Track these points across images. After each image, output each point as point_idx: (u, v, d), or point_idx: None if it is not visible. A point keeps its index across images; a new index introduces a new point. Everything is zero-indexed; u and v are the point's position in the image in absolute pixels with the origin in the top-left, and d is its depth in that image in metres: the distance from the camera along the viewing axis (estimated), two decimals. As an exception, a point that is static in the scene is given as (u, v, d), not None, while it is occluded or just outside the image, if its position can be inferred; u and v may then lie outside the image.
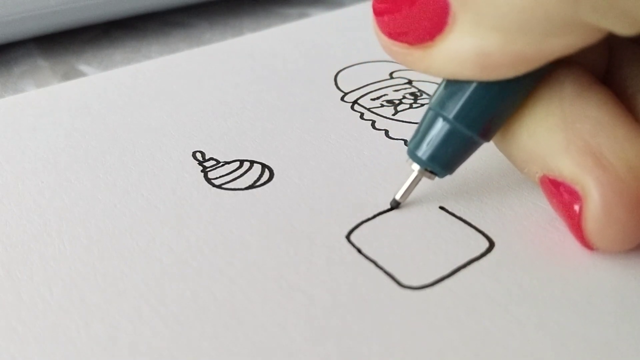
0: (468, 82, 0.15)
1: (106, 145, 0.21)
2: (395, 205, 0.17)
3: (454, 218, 0.17)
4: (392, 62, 0.25)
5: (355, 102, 0.23)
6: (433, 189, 0.18)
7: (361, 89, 0.24)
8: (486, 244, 0.16)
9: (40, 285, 0.15)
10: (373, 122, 0.22)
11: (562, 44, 0.13)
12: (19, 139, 0.21)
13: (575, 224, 0.15)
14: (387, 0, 0.15)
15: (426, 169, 0.16)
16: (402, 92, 0.23)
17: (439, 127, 0.16)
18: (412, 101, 0.23)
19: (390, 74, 0.25)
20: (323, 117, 0.22)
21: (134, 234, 0.17)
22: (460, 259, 0.16)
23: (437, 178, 0.17)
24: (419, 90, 0.23)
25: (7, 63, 0.28)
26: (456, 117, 0.15)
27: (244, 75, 0.25)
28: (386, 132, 0.21)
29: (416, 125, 0.17)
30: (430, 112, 0.16)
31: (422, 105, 0.22)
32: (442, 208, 0.17)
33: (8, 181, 0.19)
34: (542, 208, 0.17)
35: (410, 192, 0.17)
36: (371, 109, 0.22)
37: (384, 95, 0.23)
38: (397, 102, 0.23)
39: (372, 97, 0.23)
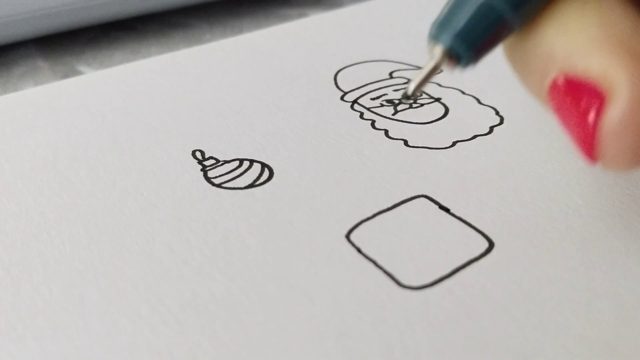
0: None
1: (106, 144, 0.21)
2: (406, 97, 0.15)
3: (453, 218, 0.17)
4: (392, 61, 0.25)
5: (354, 101, 0.23)
6: (433, 190, 0.18)
7: (361, 89, 0.24)
8: (486, 245, 0.16)
9: (39, 284, 0.15)
10: (373, 122, 0.22)
11: None
12: (18, 137, 0.21)
13: (588, 130, 0.13)
14: None
15: (450, 52, 0.14)
16: (402, 92, 0.23)
17: (470, 3, 0.14)
18: (411, 101, 0.23)
19: (390, 74, 0.25)
20: (323, 116, 0.22)
21: (133, 233, 0.17)
22: (460, 259, 0.16)
23: (458, 69, 0.15)
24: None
25: (7, 64, 0.28)
26: None
27: (243, 75, 0.25)
28: (386, 132, 0.21)
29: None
30: None
31: (422, 105, 0.22)
32: (441, 208, 0.17)
33: (7, 180, 0.19)
34: (542, 209, 0.17)
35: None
36: (371, 109, 0.22)
37: (384, 94, 0.23)
38: (396, 101, 0.23)
39: (372, 97, 0.23)
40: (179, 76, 0.25)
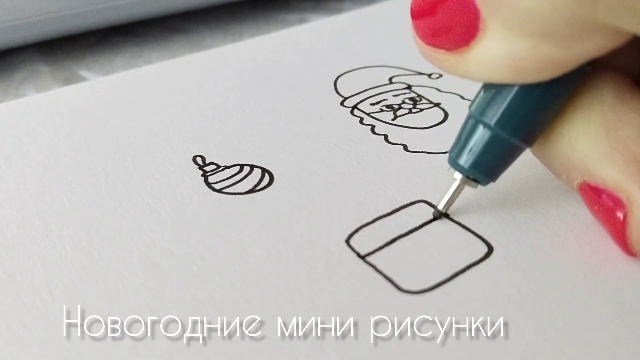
0: (507, 88, 0.15)
1: (107, 150, 0.21)
2: (438, 215, 0.17)
3: (452, 223, 0.17)
4: (392, 67, 0.26)
5: (354, 106, 0.23)
6: (433, 195, 0.18)
7: (361, 94, 0.24)
8: (485, 249, 0.16)
9: (41, 289, 0.15)
10: (372, 127, 0.22)
11: (589, 47, 0.13)
12: (20, 143, 0.21)
13: (619, 231, 0.15)
14: (422, 4, 0.15)
15: (468, 177, 0.16)
16: (401, 97, 0.23)
17: (480, 134, 0.16)
18: (411, 106, 0.23)
19: (390, 79, 0.25)
20: (323, 121, 0.22)
21: (134, 238, 0.17)
22: (459, 263, 0.16)
23: (479, 186, 0.17)
24: (419, 95, 0.24)
25: (8, 68, 0.28)
26: (497, 123, 0.15)
27: (244, 80, 0.25)
28: (385, 137, 0.21)
29: (455, 134, 0.16)
30: (471, 120, 0.16)
31: (422, 110, 0.23)
32: (441, 213, 0.17)
33: (9, 185, 0.19)
34: (541, 213, 0.17)
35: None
36: (371, 114, 0.22)
37: (384, 100, 0.23)
38: (396, 107, 0.23)
39: (372, 102, 0.23)
40: (180, 82, 0.25)
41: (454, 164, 0.16)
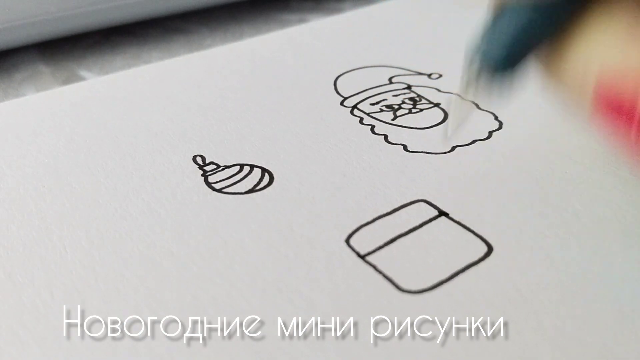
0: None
1: (107, 150, 0.21)
2: (446, 138, 0.16)
3: (452, 223, 0.17)
4: (392, 67, 0.26)
5: (354, 106, 0.23)
6: (432, 195, 0.18)
7: (361, 94, 0.24)
8: (485, 249, 0.16)
9: (41, 289, 0.15)
10: (372, 127, 0.22)
11: None
12: (19, 143, 0.21)
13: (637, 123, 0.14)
14: None
15: (487, 65, 0.15)
16: (401, 97, 0.23)
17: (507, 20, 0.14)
18: (411, 106, 0.23)
19: (390, 79, 0.25)
20: (323, 121, 0.22)
21: (134, 238, 0.17)
22: (459, 263, 0.16)
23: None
24: (418, 95, 0.24)
25: (9, 69, 0.28)
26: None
27: (243, 80, 0.25)
28: (385, 137, 0.21)
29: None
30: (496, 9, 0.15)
31: (422, 110, 0.23)
32: (441, 212, 0.17)
33: (9, 185, 0.19)
34: (540, 213, 0.17)
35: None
36: (370, 114, 0.22)
37: (384, 100, 0.23)
38: (396, 107, 0.23)
39: (372, 102, 0.23)
40: (180, 82, 0.25)
41: (477, 51, 0.15)
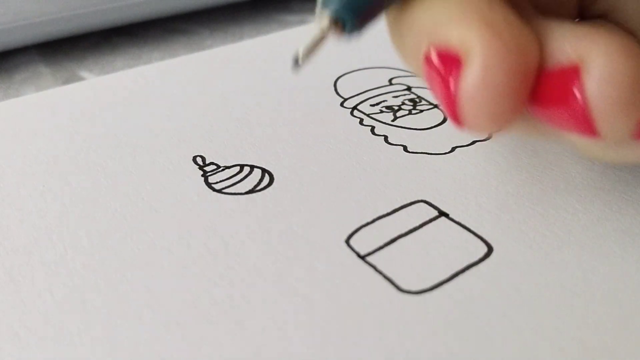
0: None
1: (107, 150, 0.21)
2: (295, 64, 0.15)
3: (452, 223, 0.17)
4: (392, 68, 0.26)
5: (354, 107, 0.23)
6: (432, 195, 0.18)
7: (361, 95, 0.24)
8: (484, 249, 0.16)
9: (41, 289, 0.15)
10: (372, 128, 0.22)
11: None
12: (19, 142, 0.21)
13: (451, 94, 0.14)
14: None
15: (337, 19, 0.15)
16: (401, 98, 0.24)
17: None
18: (411, 107, 0.23)
19: (390, 80, 0.25)
20: (323, 122, 0.22)
21: (134, 238, 0.17)
22: (459, 263, 0.16)
23: (344, 37, 0.15)
24: (418, 97, 0.24)
25: (9, 69, 0.28)
26: None
27: (244, 81, 0.25)
28: (385, 138, 0.21)
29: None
30: None
31: (421, 111, 0.23)
32: (441, 213, 0.18)
33: (9, 185, 0.19)
34: (540, 213, 0.17)
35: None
36: (371, 115, 0.22)
37: (384, 101, 0.23)
38: (396, 108, 0.23)
39: (372, 103, 0.23)
40: (180, 82, 0.25)
41: (323, 4, 0.15)
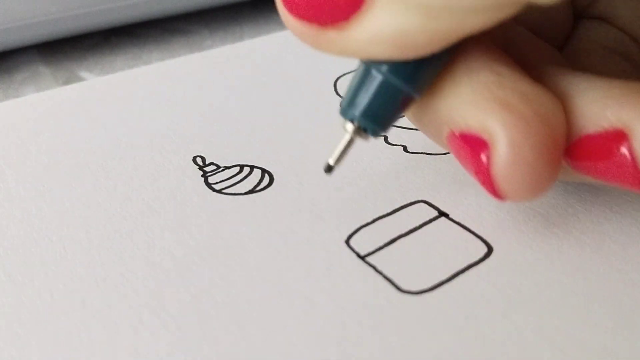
0: None
1: (107, 150, 0.21)
2: (328, 170, 0.16)
3: (452, 223, 0.17)
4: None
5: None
6: (432, 195, 0.18)
7: (361, 95, 0.24)
8: (484, 249, 0.16)
9: (41, 289, 0.15)
10: (372, 128, 0.22)
11: (485, 20, 0.13)
12: (19, 142, 0.21)
13: (484, 171, 0.14)
14: None
15: (359, 128, 0.15)
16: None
17: (372, 81, 0.15)
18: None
19: (390, 80, 0.25)
20: (323, 122, 0.22)
21: (134, 239, 0.17)
22: (459, 264, 0.16)
23: (371, 139, 0.16)
24: (418, 97, 0.24)
25: (9, 70, 0.28)
26: (389, 70, 0.14)
27: (244, 81, 0.25)
28: (385, 138, 0.21)
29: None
30: (363, 67, 0.15)
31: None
32: (441, 213, 0.18)
33: (9, 185, 0.19)
34: (540, 214, 0.17)
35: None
36: (371, 115, 0.22)
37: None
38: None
39: (372, 103, 0.23)
40: (180, 82, 0.25)
41: (345, 113, 0.16)
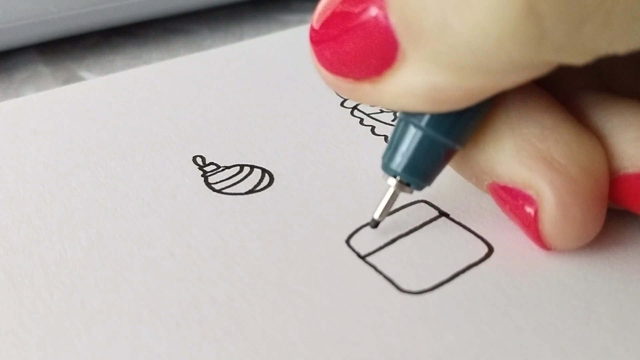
0: None
1: (107, 150, 0.21)
2: (375, 225, 0.17)
3: (453, 223, 0.17)
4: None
5: (355, 107, 0.23)
6: (433, 195, 0.18)
7: (361, 95, 0.24)
8: (485, 249, 0.16)
9: (41, 289, 0.15)
10: (373, 128, 0.22)
11: (517, 79, 0.13)
12: (19, 142, 0.21)
13: (532, 226, 0.15)
14: (326, 28, 0.14)
15: (402, 182, 0.16)
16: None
17: (412, 136, 0.15)
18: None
19: (390, 80, 0.25)
20: (323, 122, 0.22)
21: (134, 238, 0.17)
22: (460, 264, 0.16)
23: (416, 191, 0.16)
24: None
25: (9, 69, 0.28)
26: (428, 124, 0.15)
27: (244, 81, 0.25)
28: (385, 138, 0.21)
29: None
30: (402, 122, 0.15)
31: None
32: (441, 213, 0.18)
33: (9, 185, 0.19)
34: (541, 213, 0.17)
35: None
36: (371, 115, 0.22)
37: (384, 101, 0.23)
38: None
39: (372, 103, 0.23)
40: (180, 82, 0.25)
41: (387, 168, 0.16)
